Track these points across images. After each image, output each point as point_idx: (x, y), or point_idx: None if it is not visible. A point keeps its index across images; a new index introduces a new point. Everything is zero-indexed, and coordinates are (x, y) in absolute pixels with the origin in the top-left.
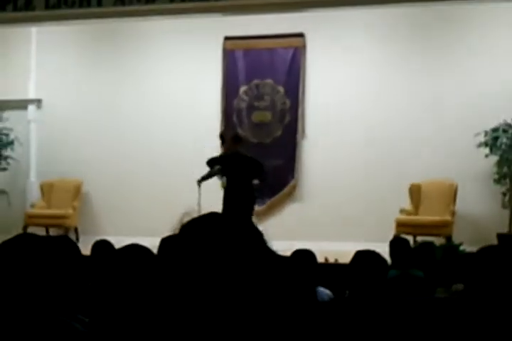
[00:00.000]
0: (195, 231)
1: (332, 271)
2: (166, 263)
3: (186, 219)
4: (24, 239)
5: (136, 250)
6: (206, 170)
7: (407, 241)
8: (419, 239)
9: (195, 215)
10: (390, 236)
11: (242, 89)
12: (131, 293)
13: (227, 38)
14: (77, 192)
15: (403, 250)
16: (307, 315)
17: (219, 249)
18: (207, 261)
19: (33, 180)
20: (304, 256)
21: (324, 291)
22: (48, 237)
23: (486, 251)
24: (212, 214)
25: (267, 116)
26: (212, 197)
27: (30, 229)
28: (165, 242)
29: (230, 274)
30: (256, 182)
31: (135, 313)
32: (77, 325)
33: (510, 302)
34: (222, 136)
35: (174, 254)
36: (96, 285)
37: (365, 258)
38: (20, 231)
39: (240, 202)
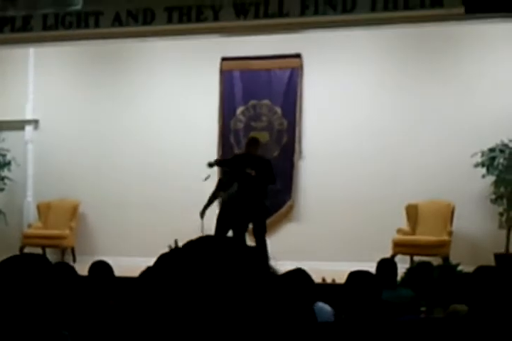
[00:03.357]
0: (190, 253)
1: (329, 291)
2: (160, 283)
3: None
4: (18, 260)
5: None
6: (204, 193)
7: (394, 263)
8: (417, 259)
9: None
10: (387, 257)
11: (240, 109)
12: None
13: (224, 59)
14: (74, 212)
15: (390, 271)
16: (306, 335)
17: (214, 269)
18: (201, 281)
19: (30, 201)
20: (298, 276)
21: (324, 307)
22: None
23: (481, 272)
24: (207, 237)
25: (264, 136)
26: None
27: (27, 250)
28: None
29: (226, 295)
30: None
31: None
32: (66, 333)
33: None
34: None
35: (167, 276)
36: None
37: (358, 278)
38: (16, 251)
39: (254, 208)
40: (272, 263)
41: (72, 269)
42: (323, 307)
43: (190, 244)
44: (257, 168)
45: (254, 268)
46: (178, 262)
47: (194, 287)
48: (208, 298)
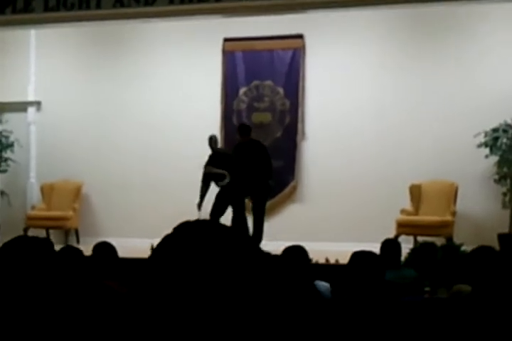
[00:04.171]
0: (184, 235)
1: (333, 271)
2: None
3: None
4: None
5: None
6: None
7: (397, 243)
8: (420, 239)
9: None
10: (391, 237)
11: (242, 90)
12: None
13: (226, 40)
14: (77, 193)
15: (394, 251)
16: (309, 310)
17: (210, 255)
18: (196, 265)
19: (33, 182)
20: (296, 252)
21: (322, 284)
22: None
23: (481, 252)
24: (201, 222)
25: (267, 117)
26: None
27: (31, 231)
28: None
29: (222, 278)
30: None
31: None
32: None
33: None
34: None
35: (163, 258)
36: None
37: (362, 259)
38: (20, 233)
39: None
40: (264, 244)
41: (79, 252)
42: (320, 283)
43: (184, 228)
44: (257, 155)
45: (245, 252)
46: (173, 248)
47: (196, 271)
48: (209, 281)
